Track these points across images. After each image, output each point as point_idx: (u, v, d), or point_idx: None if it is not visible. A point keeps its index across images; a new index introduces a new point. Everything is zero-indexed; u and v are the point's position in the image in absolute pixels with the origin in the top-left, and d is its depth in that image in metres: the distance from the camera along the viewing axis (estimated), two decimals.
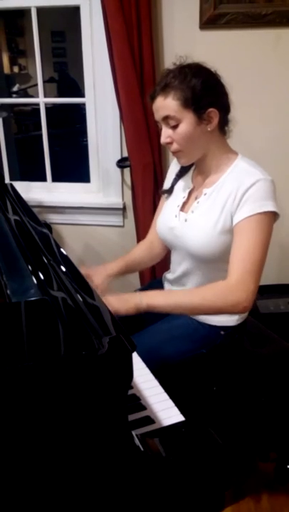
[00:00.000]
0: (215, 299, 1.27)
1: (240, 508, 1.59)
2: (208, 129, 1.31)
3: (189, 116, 1.28)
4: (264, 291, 2.10)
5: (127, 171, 2.23)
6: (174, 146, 1.34)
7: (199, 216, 1.39)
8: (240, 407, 1.47)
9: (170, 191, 1.54)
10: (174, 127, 1.30)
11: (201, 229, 1.36)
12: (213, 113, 1.29)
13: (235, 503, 1.60)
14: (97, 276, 1.49)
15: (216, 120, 1.30)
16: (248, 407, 1.47)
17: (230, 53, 1.98)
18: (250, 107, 2.02)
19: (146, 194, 2.14)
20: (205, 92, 1.27)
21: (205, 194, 1.39)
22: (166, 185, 1.58)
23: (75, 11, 2.12)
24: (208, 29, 1.96)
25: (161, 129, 1.36)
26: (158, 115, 1.33)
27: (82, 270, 1.45)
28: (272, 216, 1.29)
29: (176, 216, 1.45)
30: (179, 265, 1.50)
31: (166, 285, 1.62)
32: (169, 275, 1.61)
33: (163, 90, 1.29)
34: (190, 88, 1.26)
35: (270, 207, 1.27)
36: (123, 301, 1.25)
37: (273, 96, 2.03)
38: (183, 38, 2.00)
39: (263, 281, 2.24)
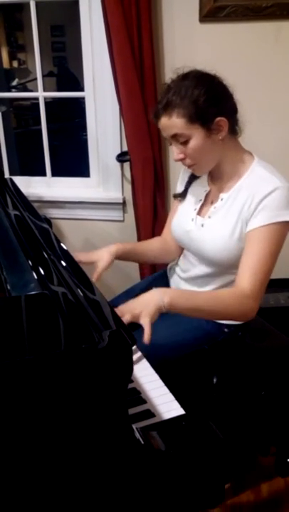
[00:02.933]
0: (233, 309, 1.26)
1: (240, 501, 1.60)
2: (220, 138, 1.28)
3: (198, 131, 1.25)
4: None
5: (126, 165, 2.23)
6: (188, 161, 1.32)
7: (216, 222, 1.37)
8: (241, 401, 1.47)
9: (183, 195, 1.52)
10: (184, 143, 1.27)
11: (218, 235, 1.35)
12: (222, 121, 1.26)
13: (236, 496, 1.61)
14: (100, 252, 1.47)
15: (226, 128, 1.27)
16: (248, 401, 1.47)
17: (231, 46, 1.97)
18: (250, 100, 1.99)
19: (146, 188, 2.14)
20: (209, 103, 1.23)
21: (222, 199, 1.37)
22: (180, 188, 1.56)
23: (75, 4, 2.11)
24: (208, 22, 1.95)
25: (170, 145, 1.33)
26: (166, 134, 1.30)
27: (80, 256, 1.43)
28: (288, 225, 1.27)
29: (192, 220, 1.43)
30: (194, 267, 1.48)
31: (176, 279, 1.61)
32: (179, 271, 1.58)
33: (165, 110, 1.25)
34: (193, 103, 1.22)
35: (286, 217, 1.24)
36: (144, 304, 1.17)
37: (274, 88, 2.02)
38: (182, 31, 1.99)
39: None
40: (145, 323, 1.14)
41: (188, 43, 2.00)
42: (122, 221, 2.39)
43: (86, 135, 2.34)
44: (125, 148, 2.17)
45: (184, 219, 1.47)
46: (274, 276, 2.22)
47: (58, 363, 0.74)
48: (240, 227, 1.31)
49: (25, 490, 0.78)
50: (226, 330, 1.46)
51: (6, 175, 2.45)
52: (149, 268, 2.24)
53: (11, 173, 2.53)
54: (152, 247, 1.63)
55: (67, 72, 5.65)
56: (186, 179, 1.53)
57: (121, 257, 1.51)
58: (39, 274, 1.02)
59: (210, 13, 1.93)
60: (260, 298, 1.27)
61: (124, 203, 2.34)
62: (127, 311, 1.15)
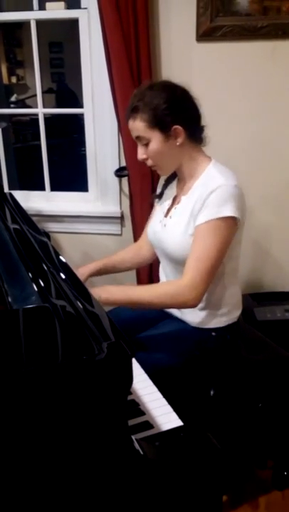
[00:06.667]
0: (166, 298, 1.39)
1: None
2: (177, 144, 1.39)
3: (156, 135, 1.38)
4: (261, 299, 2.12)
5: (124, 179, 2.25)
6: (149, 162, 1.45)
7: (174, 220, 1.48)
8: (238, 414, 1.48)
9: (160, 196, 1.62)
10: (146, 145, 1.40)
11: (175, 233, 1.45)
12: (178, 129, 1.37)
13: (233, 510, 1.61)
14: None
15: (182, 135, 1.38)
16: (246, 414, 1.48)
17: (227, 65, 2.01)
18: (245, 118, 2.05)
19: (144, 203, 2.17)
20: (167, 112, 1.35)
21: (182, 201, 1.47)
22: (158, 191, 1.66)
23: (73, 22, 2.16)
24: (205, 41, 2.00)
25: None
26: (132, 135, 1.44)
27: None
28: (231, 221, 1.35)
29: (160, 222, 1.54)
30: (164, 269, 1.60)
31: None
32: (160, 278, 1.67)
33: (132, 113, 1.39)
34: (152, 110, 1.35)
35: (227, 212, 1.33)
36: None
37: (269, 107, 2.05)
38: (180, 50, 2.03)
39: (260, 289, 2.27)
40: None
41: (186, 62, 2.04)
42: (120, 235, 2.41)
43: (85, 150, 2.37)
44: (123, 164, 2.20)
45: (154, 222, 1.59)
46: (270, 289, 2.25)
47: (59, 374, 0.75)
48: (192, 224, 1.39)
49: (24, 499, 0.78)
50: (213, 334, 1.51)
51: (6, 189, 2.47)
52: (146, 280, 2.25)
53: (11, 188, 2.56)
54: (124, 257, 1.76)
55: (65, 88, 5.71)
56: (163, 182, 1.65)
57: (95, 274, 1.66)
58: (39, 286, 1.04)
59: (207, 33, 1.97)
60: (201, 289, 1.34)
61: (122, 217, 2.37)
62: None
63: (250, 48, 1.99)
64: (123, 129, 2.08)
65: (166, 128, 1.37)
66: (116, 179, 2.29)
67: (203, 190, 1.37)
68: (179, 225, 1.44)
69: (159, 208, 1.60)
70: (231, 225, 1.36)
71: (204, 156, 1.47)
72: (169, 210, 1.54)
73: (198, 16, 1.95)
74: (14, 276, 1.14)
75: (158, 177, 2.15)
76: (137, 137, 1.41)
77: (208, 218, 1.34)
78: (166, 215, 1.53)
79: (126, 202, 2.29)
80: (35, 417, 0.75)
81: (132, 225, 2.27)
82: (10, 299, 1.04)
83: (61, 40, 5.69)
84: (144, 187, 2.14)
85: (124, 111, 2.04)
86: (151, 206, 2.16)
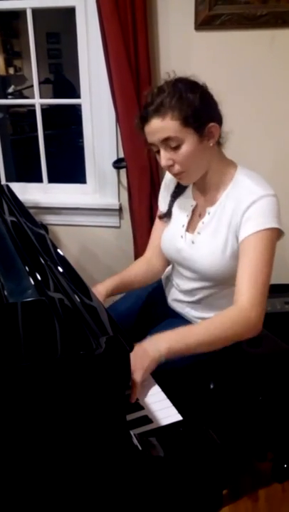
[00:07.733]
0: (234, 326, 1.21)
1: (238, 507, 1.60)
2: (210, 145, 1.26)
3: (191, 135, 1.22)
4: None
5: (123, 171, 2.23)
6: (177, 168, 1.28)
7: (206, 238, 1.35)
8: (238, 407, 1.47)
9: (169, 215, 1.49)
10: (175, 148, 1.23)
11: (210, 251, 1.33)
12: (214, 127, 1.24)
13: (233, 503, 1.61)
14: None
15: (217, 134, 1.26)
16: (246, 407, 1.47)
17: (226, 54, 1.98)
18: (245, 107, 2.03)
19: (143, 195, 2.15)
20: (204, 108, 1.22)
21: (209, 213, 1.35)
22: (163, 207, 1.52)
23: (70, 12, 2.13)
24: (204, 30, 1.97)
25: (156, 152, 1.29)
26: (155, 138, 1.24)
27: None
28: (276, 232, 1.25)
29: (182, 237, 1.41)
30: (188, 281, 1.46)
31: (174, 291, 1.57)
32: (175, 283, 1.54)
33: (158, 111, 1.20)
34: (189, 105, 1.19)
35: (273, 223, 1.23)
36: (139, 359, 1.12)
37: (268, 96, 2.03)
38: (178, 39, 2.01)
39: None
40: (135, 379, 1.09)
41: (184, 51, 2.01)
42: (119, 227, 2.40)
43: (82, 142, 2.35)
44: (122, 155, 2.18)
45: (173, 237, 1.45)
46: (270, 281, 2.24)
47: (56, 369, 0.74)
48: (232, 241, 1.30)
49: (23, 495, 0.78)
50: None
51: (3, 181, 2.46)
52: None
53: (8, 180, 2.54)
54: (138, 272, 1.56)
55: (63, 79, 5.68)
56: (168, 198, 1.50)
57: (112, 293, 1.47)
58: (36, 280, 1.02)
59: (205, 22, 1.94)
60: (262, 307, 1.22)
61: (120, 210, 2.35)
62: None
63: (249, 37, 1.96)
64: (121, 120, 2.05)
65: (201, 126, 1.21)
66: (114, 171, 2.27)
67: (239, 202, 1.26)
68: (214, 244, 1.32)
69: (173, 221, 1.47)
70: (276, 237, 1.26)
71: (230, 162, 1.35)
72: (190, 222, 1.41)
73: (197, 4, 1.92)
74: (11, 270, 1.12)
75: (157, 170, 2.14)
76: (165, 139, 1.22)
77: (256, 229, 1.22)
78: (188, 229, 1.41)
79: (124, 194, 2.27)
80: (33, 412, 0.74)
81: (130, 218, 2.25)
82: (6, 293, 1.03)
83: (59, 30, 5.65)
84: (143, 179, 2.12)
85: (121, 101, 2.02)
86: (150, 199, 2.16)
